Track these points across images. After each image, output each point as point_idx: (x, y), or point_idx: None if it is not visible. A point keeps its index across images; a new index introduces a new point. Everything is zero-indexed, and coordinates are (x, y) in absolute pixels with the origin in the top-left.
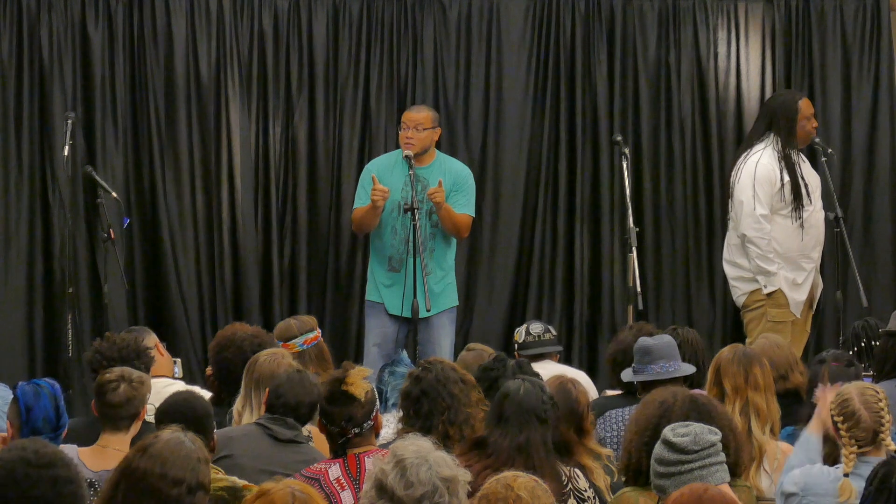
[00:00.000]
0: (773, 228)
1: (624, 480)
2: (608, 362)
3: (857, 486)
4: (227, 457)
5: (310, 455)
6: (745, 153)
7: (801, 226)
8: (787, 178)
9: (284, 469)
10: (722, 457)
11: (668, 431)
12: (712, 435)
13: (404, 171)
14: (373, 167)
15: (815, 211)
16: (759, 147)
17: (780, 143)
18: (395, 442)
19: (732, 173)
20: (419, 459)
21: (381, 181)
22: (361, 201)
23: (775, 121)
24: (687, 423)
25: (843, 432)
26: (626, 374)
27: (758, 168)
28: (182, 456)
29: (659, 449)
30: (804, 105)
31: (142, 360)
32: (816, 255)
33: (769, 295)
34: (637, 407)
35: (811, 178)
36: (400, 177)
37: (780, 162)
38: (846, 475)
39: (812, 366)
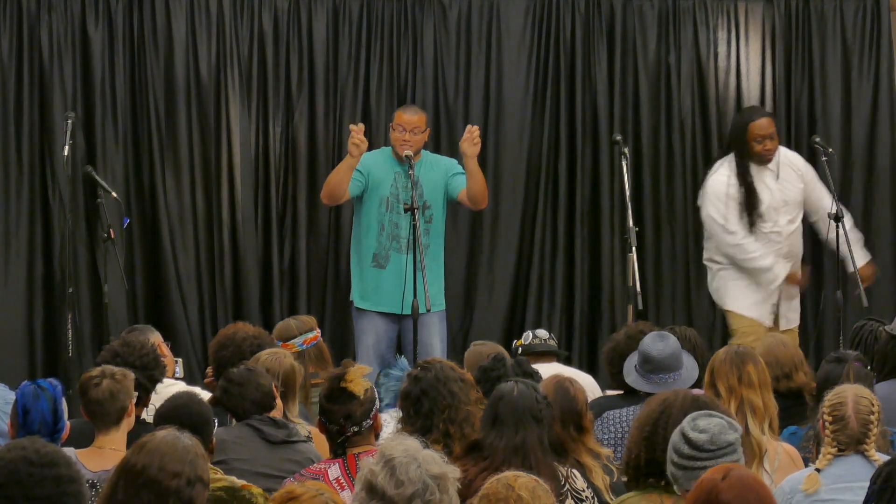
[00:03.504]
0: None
1: (626, 480)
2: (605, 361)
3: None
4: (221, 462)
5: (304, 455)
6: (708, 172)
7: (755, 240)
8: (736, 194)
9: (279, 471)
10: (738, 456)
11: (688, 422)
12: (730, 434)
13: (393, 167)
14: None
15: (777, 225)
16: (717, 165)
17: (735, 160)
18: (383, 442)
19: (700, 193)
20: (408, 458)
21: (369, 168)
22: None
23: (731, 140)
24: (711, 413)
25: (828, 432)
26: (631, 376)
27: (716, 186)
28: (179, 450)
29: (676, 438)
30: (755, 126)
31: (160, 370)
32: (778, 269)
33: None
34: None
35: (781, 192)
36: (388, 173)
37: (736, 178)
38: (818, 470)
39: (826, 364)
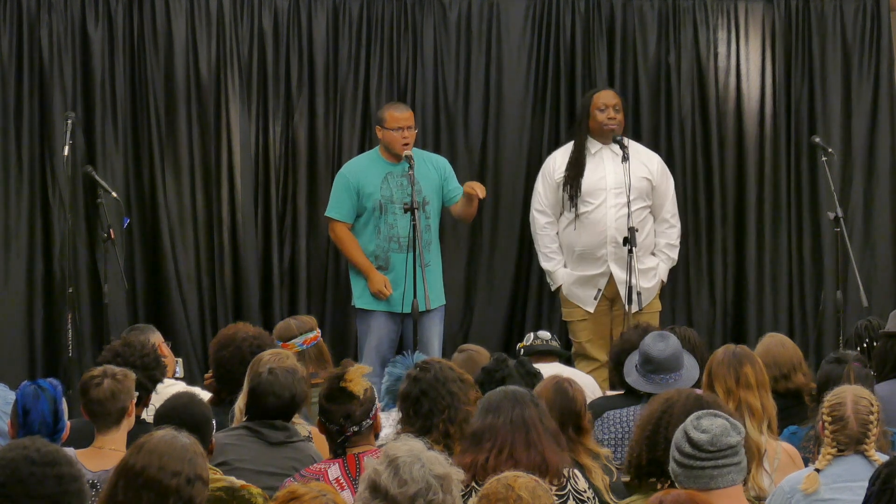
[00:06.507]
0: (561, 224)
1: (626, 480)
2: (610, 360)
3: (824, 480)
4: (222, 463)
5: (303, 454)
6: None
7: (578, 221)
8: (564, 173)
9: (280, 470)
10: (739, 458)
11: (691, 421)
12: (732, 437)
13: (383, 168)
14: (347, 172)
15: (602, 207)
16: (563, 146)
17: (576, 136)
18: (387, 443)
19: None
20: (412, 458)
21: (359, 183)
22: (337, 211)
23: (578, 116)
24: (717, 414)
25: (827, 433)
26: (631, 376)
27: (545, 164)
28: (178, 448)
29: (679, 435)
30: (599, 96)
31: (160, 370)
32: (603, 252)
33: (556, 293)
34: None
35: (617, 175)
36: (378, 176)
37: (568, 156)
38: (818, 470)
39: (826, 364)
